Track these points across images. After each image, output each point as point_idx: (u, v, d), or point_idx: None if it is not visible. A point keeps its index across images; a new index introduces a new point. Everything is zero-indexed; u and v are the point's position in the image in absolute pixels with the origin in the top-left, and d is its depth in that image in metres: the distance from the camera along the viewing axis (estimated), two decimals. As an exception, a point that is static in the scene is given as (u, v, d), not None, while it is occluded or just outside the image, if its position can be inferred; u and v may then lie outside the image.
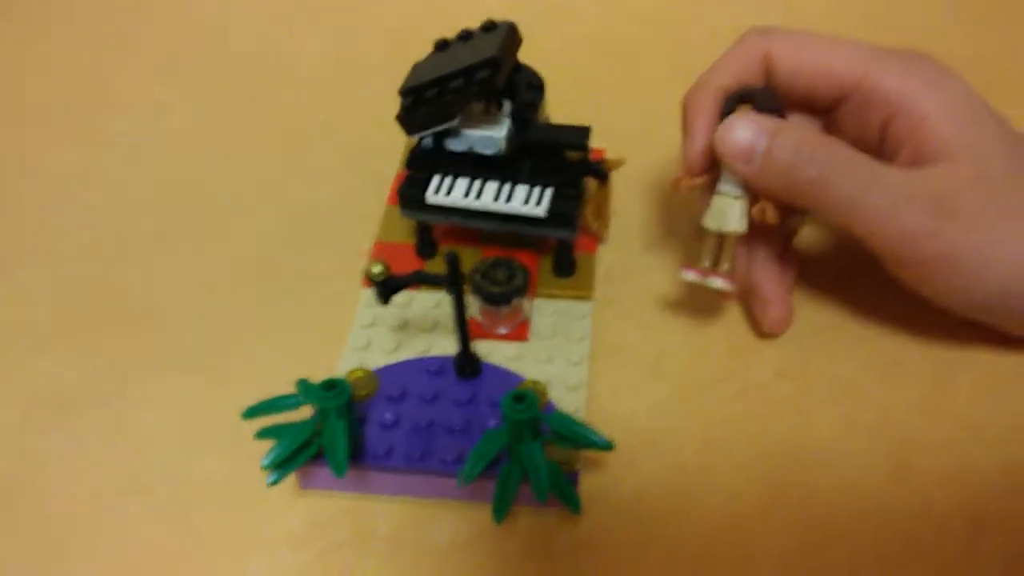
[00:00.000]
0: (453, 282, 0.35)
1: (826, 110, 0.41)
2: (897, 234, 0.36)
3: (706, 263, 0.40)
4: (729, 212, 0.39)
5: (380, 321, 0.42)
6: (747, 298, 0.43)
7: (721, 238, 0.40)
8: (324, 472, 0.37)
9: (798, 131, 0.37)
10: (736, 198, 0.39)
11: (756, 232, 0.41)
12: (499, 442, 0.35)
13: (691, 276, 0.40)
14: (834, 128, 0.41)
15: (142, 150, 0.55)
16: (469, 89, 0.39)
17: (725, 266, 0.40)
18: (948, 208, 0.36)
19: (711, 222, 0.40)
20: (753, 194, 0.39)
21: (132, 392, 0.42)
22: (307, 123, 0.56)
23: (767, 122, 0.37)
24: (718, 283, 0.40)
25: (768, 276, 0.42)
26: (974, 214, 0.36)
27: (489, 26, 0.42)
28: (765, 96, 0.39)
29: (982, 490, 0.37)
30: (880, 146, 0.39)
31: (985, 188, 0.36)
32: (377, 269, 0.36)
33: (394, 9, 0.64)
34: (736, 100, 0.39)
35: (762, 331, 0.43)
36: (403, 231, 0.46)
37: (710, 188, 0.40)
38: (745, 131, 0.37)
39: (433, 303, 0.43)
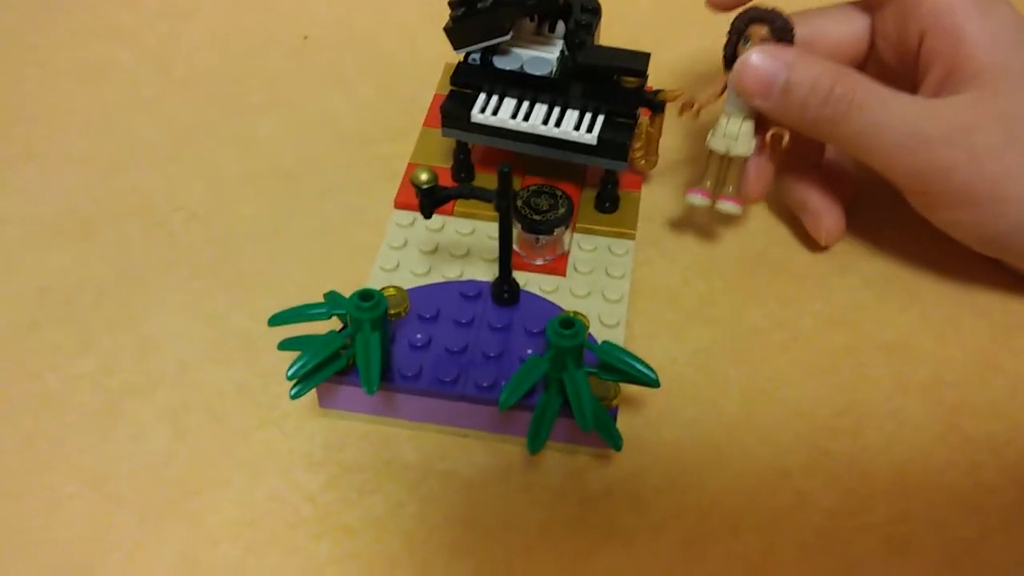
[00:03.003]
0: (504, 196, 0.33)
1: (871, 8, 0.40)
2: (910, 168, 0.36)
3: (707, 184, 0.39)
4: (738, 134, 0.38)
5: (411, 243, 0.40)
6: (799, 214, 0.42)
7: (728, 160, 0.39)
8: (346, 392, 0.35)
9: (815, 64, 0.36)
10: (745, 119, 0.38)
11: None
12: (540, 369, 0.33)
13: (698, 200, 0.39)
14: (877, 28, 0.40)
15: (167, 47, 0.52)
16: (526, 1, 0.37)
17: (730, 188, 0.39)
18: (964, 144, 0.35)
19: (718, 143, 0.39)
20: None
21: (144, 293, 0.40)
22: (337, 36, 0.53)
23: (786, 53, 0.36)
24: (728, 206, 0.39)
25: (811, 187, 0.41)
26: (993, 150, 0.35)
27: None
28: (779, 20, 0.37)
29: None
30: (916, 57, 0.38)
31: (1009, 123, 0.35)
32: (424, 176, 0.33)
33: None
34: (747, 21, 0.37)
35: (819, 244, 0.41)
36: (437, 154, 0.43)
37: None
38: (764, 64, 0.36)
39: (468, 229, 0.40)
